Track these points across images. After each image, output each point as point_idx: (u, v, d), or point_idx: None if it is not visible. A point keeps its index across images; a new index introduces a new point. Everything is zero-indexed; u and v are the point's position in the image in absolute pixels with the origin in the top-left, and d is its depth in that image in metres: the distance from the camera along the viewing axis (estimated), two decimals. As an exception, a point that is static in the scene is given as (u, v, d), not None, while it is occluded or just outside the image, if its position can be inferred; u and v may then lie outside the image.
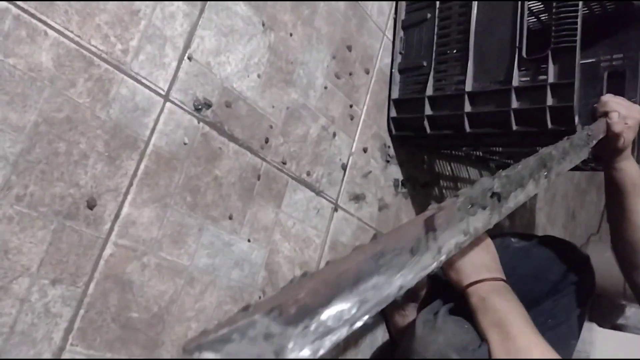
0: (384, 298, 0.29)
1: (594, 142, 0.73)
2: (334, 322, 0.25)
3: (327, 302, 0.25)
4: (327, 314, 0.25)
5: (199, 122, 0.62)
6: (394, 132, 0.96)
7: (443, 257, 0.35)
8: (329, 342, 0.25)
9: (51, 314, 0.50)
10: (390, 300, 0.30)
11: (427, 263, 0.33)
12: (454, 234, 0.36)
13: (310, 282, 0.24)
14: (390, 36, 0.96)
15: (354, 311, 0.26)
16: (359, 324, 0.27)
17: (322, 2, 0.80)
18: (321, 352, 0.25)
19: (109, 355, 0.55)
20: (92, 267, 0.53)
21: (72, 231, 0.52)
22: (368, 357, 0.92)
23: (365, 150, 0.90)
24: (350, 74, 0.86)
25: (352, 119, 0.87)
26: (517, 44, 0.80)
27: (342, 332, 0.26)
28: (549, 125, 0.77)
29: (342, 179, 0.86)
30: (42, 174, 0.49)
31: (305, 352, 0.24)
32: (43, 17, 0.49)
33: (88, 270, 0.53)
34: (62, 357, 0.51)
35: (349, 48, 0.86)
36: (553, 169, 0.55)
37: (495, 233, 1.26)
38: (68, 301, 0.52)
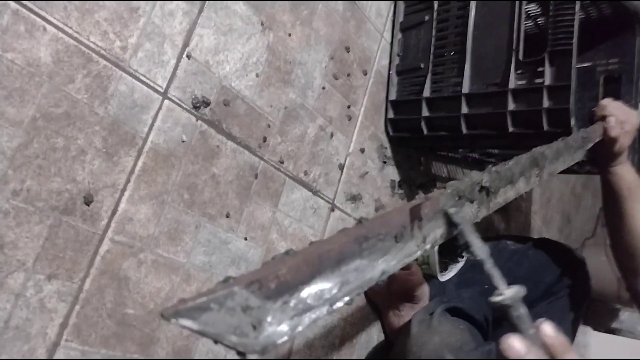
0: (366, 281, 0.29)
1: (590, 144, 0.73)
2: (314, 301, 0.25)
3: (307, 280, 0.25)
4: (307, 291, 0.25)
5: (197, 120, 0.62)
6: (391, 133, 0.96)
7: (427, 246, 0.35)
8: (308, 319, 0.25)
9: (46, 309, 0.50)
10: (372, 283, 0.30)
11: (411, 250, 0.33)
12: (439, 225, 0.36)
13: (292, 260, 0.25)
14: (389, 38, 0.97)
15: (334, 291, 0.27)
16: (339, 304, 0.27)
17: (320, 3, 0.80)
18: (299, 328, 0.25)
19: (104, 352, 0.55)
20: (89, 263, 0.53)
21: (68, 227, 0.52)
22: (363, 357, 0.92)
23: (362, 150, 0.90)
24: (348, 75, 0.87)
25: (349, 119, 0.87)
26: (514, 47, 0.81)
27: (322, 311, 0.26)
28: (545, 127, 0.78)
29: (339, 179, 0.86)
30: (39, 169, 0.49)
31: (284, 327, 0.24)
32: (42, 13, 0.49)
33: (84, 266, 0.53)
34: (57, 353, 0.51)
35: (347, 49, 0.86)
36: (545, 168, 0.55)
37: (491, 236, 1.26)
38: (63, 296, 0.52)
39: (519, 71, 0.82)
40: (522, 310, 0.34)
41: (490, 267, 0.36)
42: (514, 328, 0.33)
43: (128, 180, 0.56)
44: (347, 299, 0.28)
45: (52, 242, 0.50)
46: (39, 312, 0.50)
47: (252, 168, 0.70)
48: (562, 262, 0.93)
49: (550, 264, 0.94)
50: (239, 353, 0.23)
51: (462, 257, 1.01)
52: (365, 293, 0.92)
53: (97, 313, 0.54)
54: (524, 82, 0.83)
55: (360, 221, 0.30)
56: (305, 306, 0.25)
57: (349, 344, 0.89)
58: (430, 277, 0.93)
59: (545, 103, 0.77)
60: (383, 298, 0.91)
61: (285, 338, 0.25)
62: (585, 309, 1.02)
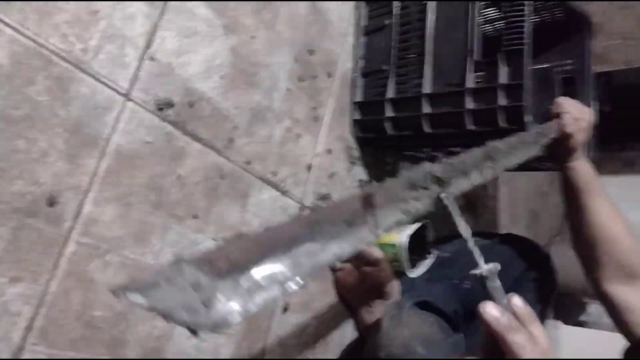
0: (318, 263, 0.30)
1: (545, 140, 0.77)
2: (266, 281, 0.26)
3: (258, 261, 0.26)
4: (258, 272, 0.26)
5: (161, 121, 0.63)
6: (358, 134, 0.99)
7: (380, 232, 0.37)
8: (259, 298, 0.26)
9: (10, 312, 0.50)
10: (325, 265, 0.31)
11: (364, 236, 0.35)
12: (393, 212, 0.38)
13: (242, 242, 0.26)
14: (352, 41, 0.99)
15: (286, 273, 0.28)
16: (292, 285, 0.28)
17: (282, 8, 0.82)
18: (251, 306, 0.26)
19: (71, 354, 0.55)
20: (54, 265, 0.53)
21: (32, 229, 0.52)
22: (337, 355, 0.93)
23: (330, 151, 0.92)
24: (313, 77, 0.89)
25: (316, 120, 0.89)
26: (470, 47, 0.84)
27: (274, 291, 0.27)
28: (501, 124, 0.81)
29: (308, 180, 0.87)
30: (0, 172, 0.49)
31: (235, 306, 0.25)
32: (-1, 15, 0.49)
33: (49, 268, 0.53)
34: (23, 357, 0.51)
35: (311, 52, 0.88)
36: (499, 161, 0.58)
37: (459, 233, 1.30)
38: (28, 299, 0.51)
39: (477, 71, 0.85)
40: (497, 283, 0.40)
41: (472, 246, 0.43)
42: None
43: (92, 182, 0.56)
44: (299, 280, 0.29)
45: (15, 244, 0.50)
46: (3, 316, 0.49)
47: (218, 169, 0.71)
48: (527, 257, 0.96)
49: (516, 258, 0.97)
50: (190, 330, 0.24)
51: (432, 254, 1.04)
52: (337, 291, 0.93)
53: (64, 315, 0.54)
54: (480, 81, 0.86)
55: (312, 208, 0.32)
56: (257, 286, 0.26)
57: (323, 342, 0.90)
58: (400, 274, 0.95)
59: (501, 101, 0.81)
60: (355, 296, 0.92)
61: (237, 316, 0.26)
62: (552, 302, 1.05)
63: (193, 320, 0.23)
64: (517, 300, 0.41)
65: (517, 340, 0.38)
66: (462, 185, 0.48)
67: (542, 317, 0.97)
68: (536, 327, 0.40)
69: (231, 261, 0.25)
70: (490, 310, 0.39)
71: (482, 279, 0.41)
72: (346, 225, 0.33)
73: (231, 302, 0.25)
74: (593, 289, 0.81)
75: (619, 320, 0.75)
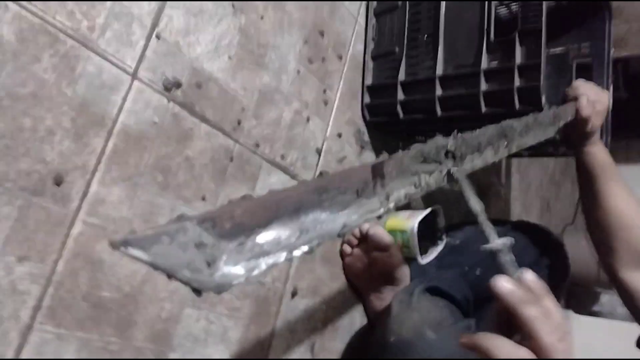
0: (326, 232, 0.29)
1: (561, 122, 0.75)
2: (271, 246, 0.25)
3: (264, 225, 0.25)
4: (264, 236, 0.25)
5: (168, 102, 0.62)
6: (368, 118, 0.97)
7: (391, 205, 0.35)
8: (264, 264, 0.25)
9: (18, 291, 0.50)
10: (333, 236, 0.30)
11: (374, 207, 0.33)
12: (403, 184, 0.37)
13: (248, 203, 0.25)
14: (363, 23, 0.97)
15: (292, 239, 0.27)
16: (297, 252, 0.27)
17: (293, -13, 0.80)
18: (256, 272, 0.25)
19: (79, 334, 0.54)
20: (61, 245, 0.53)
21: (39, 208, 0.51)
22: (346, 340, 0.93)
23: (339, 135, 0.91)
24: (323, 60, 0.87)
25: (326, 104, 0.88)
26: (486, 28, 0.82)
27: (280, 257, 0.26)
28: (517, 106, 0.79)
29: (317, 164, 0.86)
30: (6, 149, 0.49)
31: (239, 269, 0.24)
32: (5, -9, 0.48)
33: (56, 248, 0.53)
34: (31, 335, 0.51)
35: (322, 33, 0.86)
36: (514, 140, 0.56)
37: (470, 220, 1.28)
38: (36, 279, 0.51)
39: (491, 52, 0.83)
40: (509, 257, 0.40)
41: (484, 220, 0.42)
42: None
43: (99, 162, 0.56)
44: (306, 247, 0.28)
45: (22, 223, 0.50)
46: (10, 295, 0.49)
47: (227, 151, 0.70)
48: (540, 244, 0.95)
49: (528, 245, 0.96)
50: (194, 290, 0.23)
51: (442, 240, 1.02)
52: (347, 277, 0.92)
53: (72, 295, 0.54)
54: (496, 62, 0.84)
55: (321, 174, 0.31)
56: (262, 250, 0.25)
57: (332, 327, 0.89)
58: (410, 261, 0.94)
59: (517, 82, 0.79)
60: (364, 281, 0.92)
61: (241, 279, 0.25)
62: (565, 288, 1.04)
63: (196, 279, 0.22)
64: (530, 275, 0.40)
65: (531, 313, 0.37)
66: (475, 161, 0.47)
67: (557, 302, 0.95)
68: (549, 301, 0.39)
69: (236, 222, 0.24)
70: (503, 283, 0.38)
71: (494, 254, 0.41)
72: (355, 195, 0.32)
73: (236, 265, 0.24)
74: (607, 275, 0.80)
75: (633, 306, 0.74)
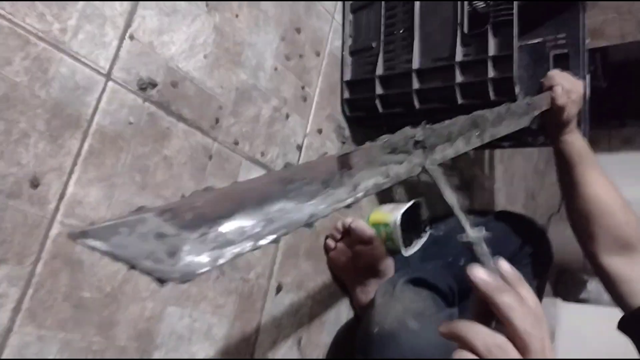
0: (292, 222, 0.30)
1: (536, 112, 0.76)
2: (236, 236, 0.26)
3: (227, 215, 0.26)
4: (228, 226, 0.26)
5: (144, 102, 0.62)
6: (348, 113, 0.98)
7: (360, 194, 0.36)
8: (230, 253, 0.26)
9: (-4, 294, 0.50)
10: (300, 225, 0.31)
11: (341, 197, 0.34)
12: (372, 175, 0.38)
13: (210, 194, 0.25)
14: (340, 19, 0.98)
15: (257, 229, 0.27)
16: (263, 242, 0.27)
17: (267, -15, 0.81)
18: (221, 260, 0.25)
19: (61, 335, 0.55)
20: (39, 247, 0.53)
21: (15, 210, 0.51)
22: (333, 334, 0.93)
23: (320, 131, 0.92)
24: (301, 56, 0.88)
25: (305, 100, 0.88)
26: (459, 21, 0.83)
27: (245, 246, 0.26)
28: (492, 97, 0.80)
29: (298, 160, 0.87)
30: (-20, 153, 0.49)
31: (203, 258, 0.24)
32: (-27, -5, 0.48)
33: (35, 250, 0.53)
34: (11, 338, 0.51)
35: (298, 30, 0.87)
36: (486, 130, 0.57)
37: (451, 211, 1.29)
38: (14, 281, 0.51)
39: (466, 44, 0.84)
40: (484, 248, 0.41)
41: (458, 211, 0.43)
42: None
43: (75, 163, 0.56)
44: (272, 237, 0.28)
45: (-2, 226, 0.50)
46: (-11, 298, 0.49)
47: (205, 149, 0.70)
48: (523, 232, 0.96)
49: (511, 234, 0.97)
50: (157, 280, 0.24)
51: (426, 232, 1.04)
52: (331, 270, 0.93)
53: (52, 297, 0.54)
54: (470, 55, 0.85)
55: (285, 165, 0.31)
56: (226, 240, 0.26)
57: (318, 321, 0.90)
58: (394, 253, 0.95)
59: (491, 73, 0.80)
60: (349, 275, 0.93)
61: (206, 268, 0.25)
62: (548, 276, 1.05)
63: (158, 270, 0.23)
64: (503, 264, 0.41)
65: (506, 300, 0.38)
66: (446, 151, 0.48)
67: (540, 291, 0.97)
68: (524, 288, 0.40)
69: (197, 212, 0.24)
70: (478, 272, 0.39)
71: (469, 245, 0.42)
72: (322, 186, 0.32)
73: (200, 255, 0.24)
74: (589, 262, 0.81)
75: (614, 291, 0.75)
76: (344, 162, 0.36)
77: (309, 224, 0.32)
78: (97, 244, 0.21)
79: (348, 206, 0.36)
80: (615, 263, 0.75)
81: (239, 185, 0.28)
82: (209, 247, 0.25)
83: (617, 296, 0.75)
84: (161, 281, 0.24)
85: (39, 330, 0.53)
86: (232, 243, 0.26)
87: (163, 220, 0.23)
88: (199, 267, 0.25)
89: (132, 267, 0.23)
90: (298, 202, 0.31)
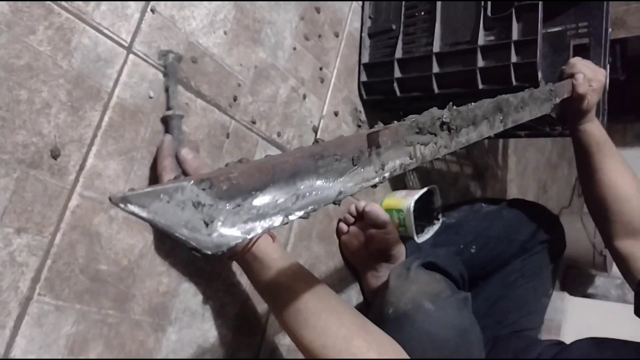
0: (322, 198, 0.29)
1: (557, 99, 0.75)
2: (268, 209, 0.26)
3: (260, 188, 0.25)
4: (261, 199, 0.25)
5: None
6: (364, 96, 0.97)
7: (387, 174, 0.36)
8: (261, 226, 0.25)
9: (17, 263, 0.50)
10: (329, 202, 0.30)
11: (370, 175, 0.34)
12: (399, 155, 0.37)
13: (244, 166, 0.25)
14: (360, 0, 0.96)
15: (288, 203, 0.27)
16: (293, 217, 0.27)
17: (289, -38, 0.79)
18: (252, 234, 0.25)
19: (78, 307, 0.55)
20: (58, 218, 0.53)
21: (36, 180, 0.51)
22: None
23: (336, 113, 0.91)
24: (320, 37, 0.87)
25: (322, 81, 0.88)
26: (483, 3, 0.82)
27: (276, 220, 0.26)
28: (514, 82, 0.79)
29: (314, 141, 0.86)
30: (2, 121, 0.49)
31: (236, 230, 0.24)
32: (-3, -39, 0.48)
33: (54, 221, 0.53)
34: (30, 306, 0.51)
35: (318, 10, 0.86)
36: (510, 115, 0.57)
37: (466, 199, 1.29)
38: (34, 251, 0.51)
39: (488, 28, 0.83)
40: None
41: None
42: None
43: (95, 135, 0.56)
44: (301, 212, 0.28)
45: (19, 195, 0.50)
46: (9, 266, 0.50)
47: (223, 127, 0.70)
48: (535, 219, 0.96)
49: (524, 221, 0.97)
50: (192, 249, 0.23)
51: (438, 219, 1.03)
52: (343, 254, 0.93)
53: (70, 268, 0.54)
54: (492, 38, 0.84)
55: (316, 141, 0.31)
56: (259, 213, 0.26)
57: (328, 304, 0.90)
58: (407, 239, 0.95)
59: (513, 58, 0.78)
60: (361, 259, 0.92)
61: (239, 240, 0.25)
62: (561, 263, 1.05)
63: (194, 238, 0.23)
64: (184, 152, 0.59)
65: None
66: (470, 134, 0.47)
67: (553, 277, 0.97)
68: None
69: (232, 183, 0.24)
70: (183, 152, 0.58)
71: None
72: (351, 163, 0.32)
73: (234, 227, 0.24)
74: (604, 243, 0.85)
75: (625, 270, 0.80)
76: (372, 140, 0.35)
77: (337, 201, 0.32)
78: (136, 209, 0.20)
79: (374, 186, 0.36)
80: (627, 245, 0.79)
81: (272, 158, 0.27)
82: (242, 219, 0.25)
83: (628, 273, 0.79)
84: (197, 250, 0.23)
85: (56, 301, 0.53)
86: (264, 216, 0.26)
87: (200, 189, 0.23)
88: (232, 239, 0.25)
89: (169, 234, 0.23)
90: (327, 179, 0.31)
